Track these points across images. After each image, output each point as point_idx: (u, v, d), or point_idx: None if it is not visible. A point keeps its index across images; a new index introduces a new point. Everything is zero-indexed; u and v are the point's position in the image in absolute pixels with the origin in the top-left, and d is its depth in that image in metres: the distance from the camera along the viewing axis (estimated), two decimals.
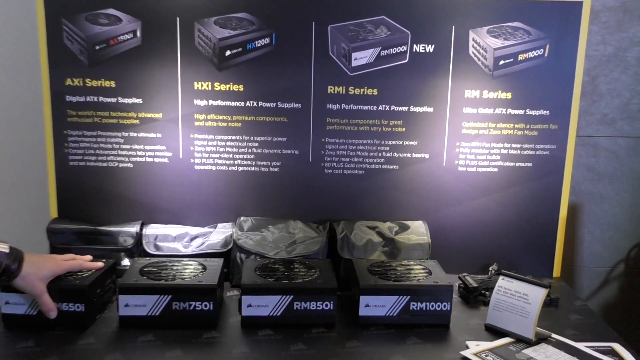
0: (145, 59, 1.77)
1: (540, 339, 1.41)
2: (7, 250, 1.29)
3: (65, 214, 1.84)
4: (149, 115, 1.81)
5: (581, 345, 1.38)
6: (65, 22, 1.74)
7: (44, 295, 1.35)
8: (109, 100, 1.80)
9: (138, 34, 1.75)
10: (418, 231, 1.83)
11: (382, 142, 1.85)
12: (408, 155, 1.86)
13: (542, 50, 1.79)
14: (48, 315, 1.38)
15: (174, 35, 1.76)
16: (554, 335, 1.43)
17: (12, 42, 1.95)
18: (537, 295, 1.41)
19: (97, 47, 1.75)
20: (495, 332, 1.46)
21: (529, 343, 1.39)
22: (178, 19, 1.75)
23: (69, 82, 1.78)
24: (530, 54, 1.79)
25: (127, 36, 1.75)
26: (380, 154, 1.86)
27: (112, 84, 1.79)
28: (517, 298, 1.44)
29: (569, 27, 1.78)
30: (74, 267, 1.47)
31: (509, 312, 1.44)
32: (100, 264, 1.52)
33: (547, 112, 1.83)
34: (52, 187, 1.83)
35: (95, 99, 1.79)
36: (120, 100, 1.80)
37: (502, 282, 1.48)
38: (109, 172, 1.84)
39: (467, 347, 1.38)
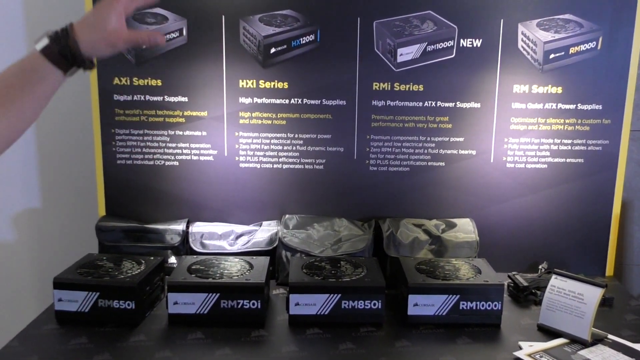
0: (191, 57, 1.78)
1: (597, 340, 1.37)
2: (48, 42, 0.98)
3: (113, 211, 1.87)
4: (194, 113, 1.82)
5: None
6: None
7: (129, 35, 1.04)
8: (155, 98, 1.81)
9: (184, 32, 1.76)
10: (465, 229, 1.80)
11: (428, 138, 1.83)
12: (455, 151, 1.83)
13: (594, 42, 1.74)
14: (157, 43, 1.08)
15: (219, 33, 1.77)
16: (610, 336, 1.39)
17: None
18: (592, 294, 1.37)
19: (144, 46, 1.77)
20: (548, 333, 1.43)
21: (584, 344, 1.35)
22: (223, 16, 1.76)
23: (116, 81, 1.80)
24: (582, 47, 1.74)
25: (174, 35, 1.76)
26: (426, 151, 1.83)
27: (159, 82, 1.80)
28: (572, 298, 1.40)
29: (624, 18, 1.72)
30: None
31: (563, 312, 1.41)
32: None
33: (599, 107, 1.78)
34: (100, 186, 1.86)
35: (142, 98, 1.81)
36: (167, 98, 1.81)
37: (556, 282, 1.44)
38: (156, 170, 1.86)
39: (520, 348, 1.35)
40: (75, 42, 0.99)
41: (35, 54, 0.98)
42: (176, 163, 1.85)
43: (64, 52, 0.98)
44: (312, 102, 1.81)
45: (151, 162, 1.85)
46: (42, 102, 1.00)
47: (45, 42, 0.98)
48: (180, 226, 1.80)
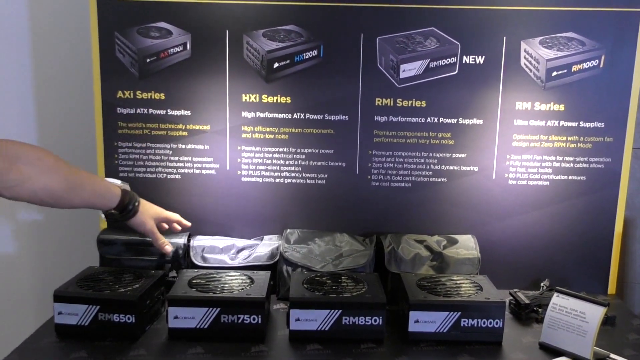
0: (195, 71, 1.79)
1: (599, 359, 1.36)
2: (129, 188, 1.45)
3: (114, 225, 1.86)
4: (197, 127, 1.83)
5: None
6: (118, 35, 1.77)
7: (156, 231, 1.56)
8: (158, 112, 1.82)
9: (188, 46, 1.77)
10: (467, 245, 1.79)
11: (430, 154, 1.83)
12: (457, 167, 1.83)
13: (597, 60, 1.74)
14: (164, 250, 1.60)
15: (223, 48, 1.78)
16: (612, 355, 1.39)
17: (67, 55, 1.99)
18: (594, 313, 1.36)
19: (148, 60, 1.78)
20: (550, 351, 1.42)
21: None
22: (227, 31, 1.77)
23: (120, 94, 1.81)
24: (585, 65, 1.75)
25: (177, 49, 1.77)
26: (428, 167, 1.84)
27: (162, 96, 1.81)
28: (574, 316, 1.39)
29: (626, 37, 1.72)
30: (171, 217, 1.69)
31: (564, 331, 1.40)
32: (188, 224, 1.74)
33: (601, 125, 1.78)
34: None
35: (145, 111, 1.82)
36: (170, 112, 1.82)
37: (557, 300, 1.44)
38: (158, 184, 1.86)
39: None
40: (137, 208, 1.51)
41: (116, 187, 1.45)
42: (178, 176, 1.86)
43: (129, 203, 1.47)
44: (315, 117, 1.82)
45: (153, 175, 1.86)
46: (74, 203, 1.38)
47: (128, 188, 1.53)
48: (181, 240, 1.80)
